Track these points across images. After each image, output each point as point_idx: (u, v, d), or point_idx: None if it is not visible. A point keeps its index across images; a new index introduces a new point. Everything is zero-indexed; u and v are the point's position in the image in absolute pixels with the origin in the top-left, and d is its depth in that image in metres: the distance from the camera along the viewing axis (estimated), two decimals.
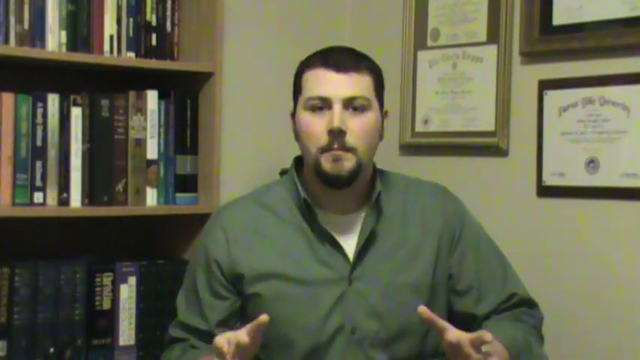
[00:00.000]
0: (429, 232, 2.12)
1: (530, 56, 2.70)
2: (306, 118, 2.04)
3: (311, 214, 2.08)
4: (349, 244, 2.07)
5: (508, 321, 2.10)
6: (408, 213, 2.14)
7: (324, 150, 2.01)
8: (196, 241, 2.68)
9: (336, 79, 2.02)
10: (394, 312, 2.04)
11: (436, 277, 2.10)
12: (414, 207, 2.15)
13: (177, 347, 2.14)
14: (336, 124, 1.98)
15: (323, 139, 2.00)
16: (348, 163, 2.00)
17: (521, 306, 2.15)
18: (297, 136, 2.11)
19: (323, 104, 2.02)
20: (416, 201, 2.16)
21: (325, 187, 2.06)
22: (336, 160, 2.00)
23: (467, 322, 2.12)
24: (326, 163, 2.01)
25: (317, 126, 2.02)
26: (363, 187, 2.10)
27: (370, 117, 2.04)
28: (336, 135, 1.99)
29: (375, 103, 2.07)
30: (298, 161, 2.18)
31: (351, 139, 2.00)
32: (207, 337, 2.02)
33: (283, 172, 3.04)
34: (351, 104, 2.02)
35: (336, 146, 1.99)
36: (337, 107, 2.00)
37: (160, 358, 2.22)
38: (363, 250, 2.06)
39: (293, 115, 2.14)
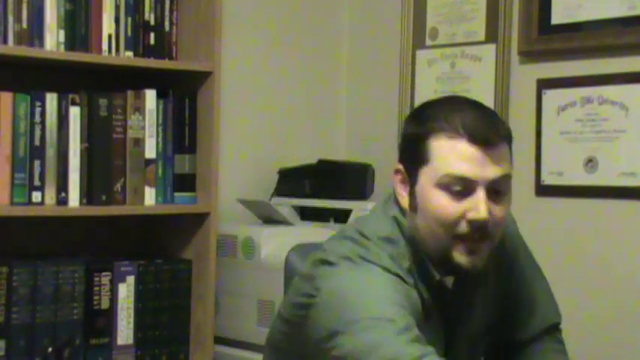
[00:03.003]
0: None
1: (529, 55, 2.70)
2: (439, 199, 1.70)
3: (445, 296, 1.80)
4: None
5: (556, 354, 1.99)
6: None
7: (460, 239, 1.71)
8: (195, 241, 2.68)
9: (482, 156, 1.68)
10: None
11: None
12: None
13: None
14: (483, 215, 1.68)
15: (461, 227, 1.70)
16: (483, 254, 1.73)
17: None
18: (415, 209, 1.75)
19: (463, 186, 1.69)
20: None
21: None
22: (472, 252, 1.72)
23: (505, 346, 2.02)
24: (459, 255, 1.72)
25: (453, 211, 1.70)
26: None
27: (509, 200, 1.76)
28: (480, 226, 1.69)
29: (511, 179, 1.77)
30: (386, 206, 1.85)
31: (491, 229, 1.72)
32: None
33: (282, 172, 3.05)
34: (495, 186, 1.71)
35: (475, 236, 1.70)
36: (482, 194, 1.68)
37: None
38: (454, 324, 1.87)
39: (399, 172, 1.80)
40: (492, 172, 1.69)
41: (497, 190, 1.71)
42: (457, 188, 1.69)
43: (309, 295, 1.74)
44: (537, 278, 2.03)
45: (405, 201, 1.78)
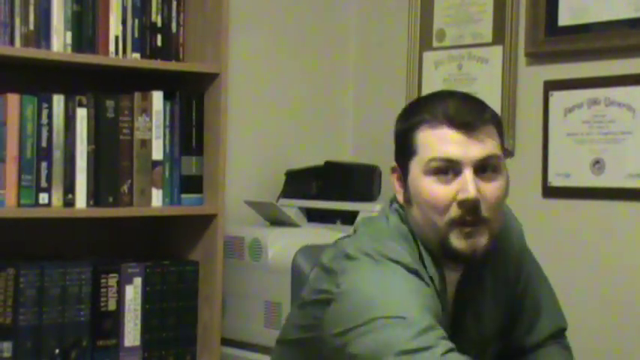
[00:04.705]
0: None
1: (536, 57, 2.70)
2: (429, 185, 1.72)
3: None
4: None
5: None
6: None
7: (455, 224, 1.71)
8: (202, 242, 2.69)
9: (465, 139, 1.71)
10: None
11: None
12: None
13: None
14: (471, 194, 1.68)
15: (452, 211, 1.70)
16: (482, 238, 1.72)
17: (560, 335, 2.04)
18: (410, 201, 1.77)
19: (449, 167, 1.71)
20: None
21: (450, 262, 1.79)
22: (469, 236, 1.71)
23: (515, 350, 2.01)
24: (457, 240, 1.71)
25: (443, 195, 1.71)
26: None
27: (502, 180, 1.75)
28: (470, 206, 1.69)
29: (503, 160, 1.77)
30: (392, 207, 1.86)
31: (485, 210, 1.70)
32: None
33: (289, 173, 3.05)
34: (483, 166, 1.71)
35: (469, 218, 1.70)
36: (468, 173, 1.70)
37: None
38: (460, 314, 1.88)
39: (395, 170, 1.83)
40: (476, 151, 1.71)
41: (485, 170, 1.72)
42: (443, 169, 1.71)
43: (329, 292, 1.73)
44: (543, 283, 2.03)
45: (401, 196, 1.80)
